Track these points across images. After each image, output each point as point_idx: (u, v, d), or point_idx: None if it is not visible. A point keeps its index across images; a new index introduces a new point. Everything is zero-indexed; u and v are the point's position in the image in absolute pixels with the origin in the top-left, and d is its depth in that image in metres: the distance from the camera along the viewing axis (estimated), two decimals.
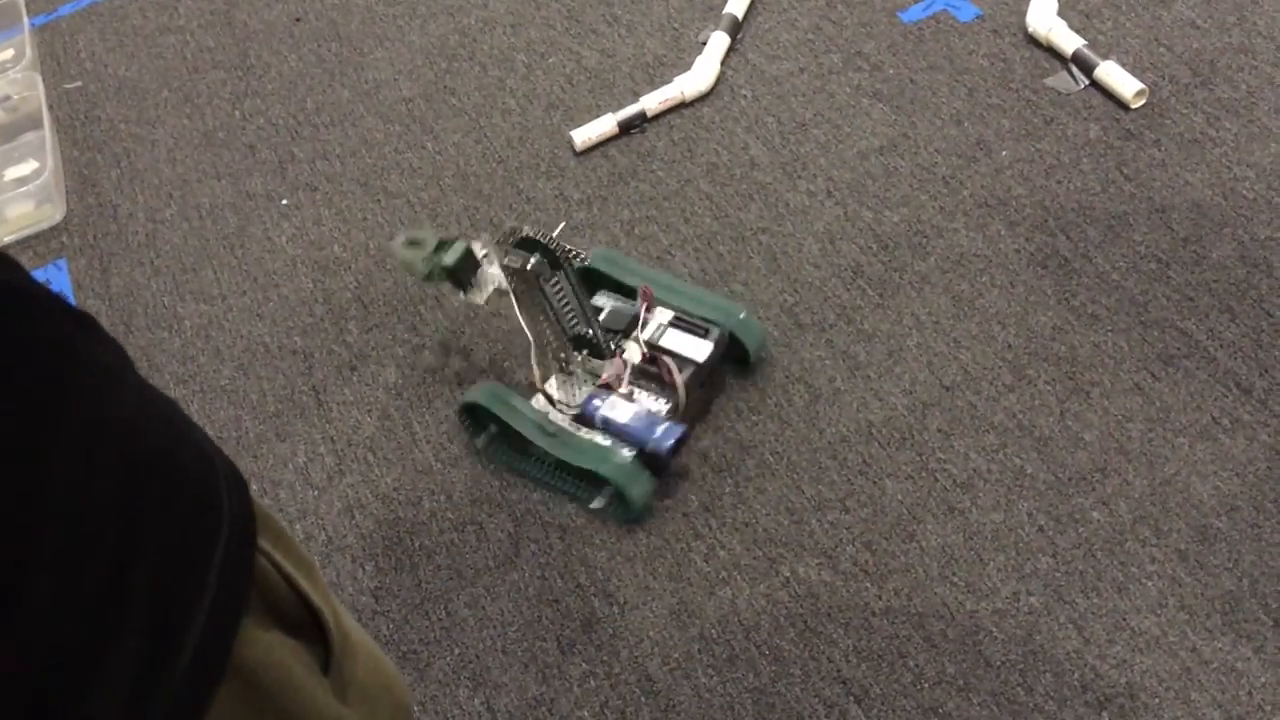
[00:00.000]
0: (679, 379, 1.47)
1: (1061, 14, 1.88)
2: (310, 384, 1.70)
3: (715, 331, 1.51)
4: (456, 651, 1.39)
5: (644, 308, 1.53)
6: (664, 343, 1.52)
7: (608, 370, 1.50)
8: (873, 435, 1.48)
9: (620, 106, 1.92)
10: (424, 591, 1.45)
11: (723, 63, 1.96)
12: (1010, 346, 1.53)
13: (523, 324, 1.46)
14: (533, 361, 1.49)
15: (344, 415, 1.65)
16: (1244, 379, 1.44)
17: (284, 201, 1.96)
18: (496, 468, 1.54)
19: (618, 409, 1.47)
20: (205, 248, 1.92)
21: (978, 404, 1.48)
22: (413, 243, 1.48)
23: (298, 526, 1.54)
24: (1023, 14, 1.91)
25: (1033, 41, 1.88)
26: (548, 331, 1.48)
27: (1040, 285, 1.58)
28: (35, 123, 2.16)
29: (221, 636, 0.49)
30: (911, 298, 1.61)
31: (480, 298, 1.50)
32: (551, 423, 1.47)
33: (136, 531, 0.46)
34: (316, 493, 1.57)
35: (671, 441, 1.42)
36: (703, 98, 1.93)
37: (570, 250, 1.52)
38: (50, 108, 2.19)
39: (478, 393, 1.51)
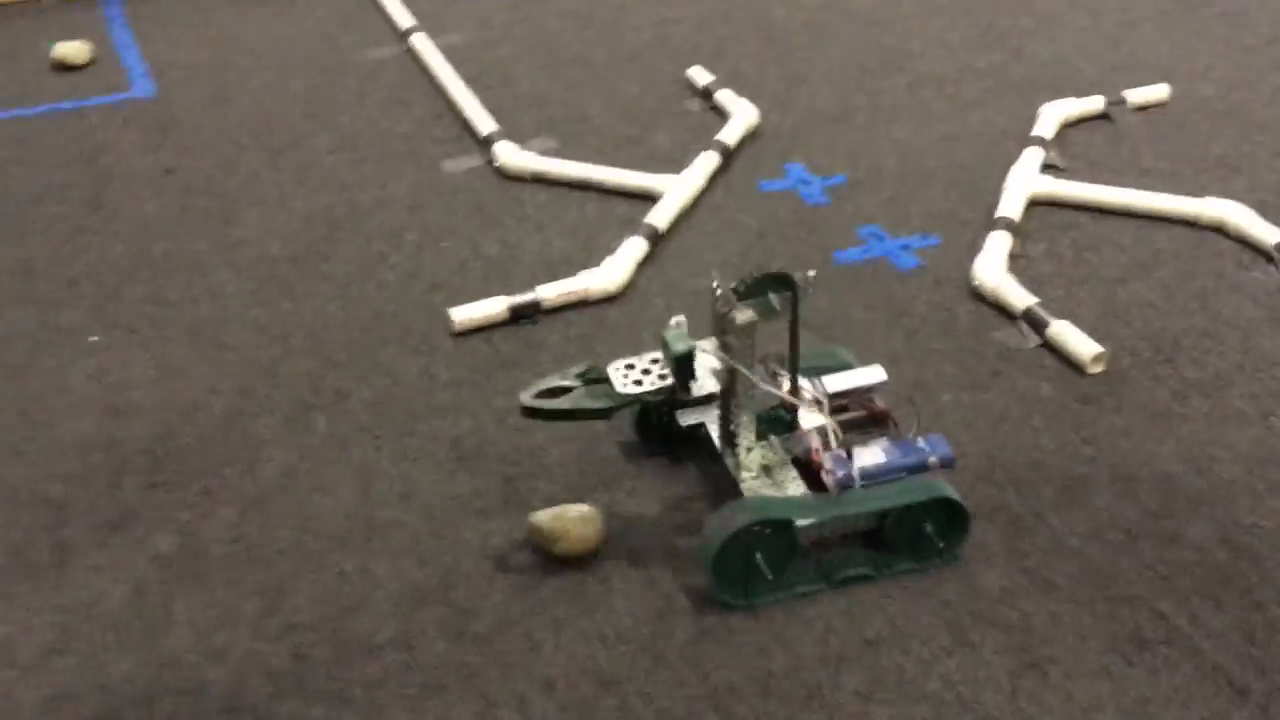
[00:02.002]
0: (881, 404, 1.33)
1: (1011, 275, 1.70)
2: (55, 539, 1.31)
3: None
4: None
5: (785, 382, 1.29)
6: (834, 389, 1.31)
7: (803, 444, 1.28)
8: (770, 688, 1.13)
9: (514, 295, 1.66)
10: None
11: (638, 269, 1.73)
12: (948, 603, 1.22)
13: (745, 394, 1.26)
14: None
15: (86, 582, 1.26)
16: (1237, 678, 1.14)
17: (93, 338, 1.63)
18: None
19: (866, 455, 1.24)
20: None
21: (906, 665, 1.15)
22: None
23: None
24: (966, 269, 1.73)
25: (978, 296, 1.69)
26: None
27: (985, 540, 1.30)
28: None
29: None
30: None
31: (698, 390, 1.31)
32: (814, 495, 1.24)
33: None
34: (17, 674, 1.16)
35: (945, 447, 1.25)
36: (610, 298, 1.68)
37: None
38: None
39: (745, 516, 1.21)
